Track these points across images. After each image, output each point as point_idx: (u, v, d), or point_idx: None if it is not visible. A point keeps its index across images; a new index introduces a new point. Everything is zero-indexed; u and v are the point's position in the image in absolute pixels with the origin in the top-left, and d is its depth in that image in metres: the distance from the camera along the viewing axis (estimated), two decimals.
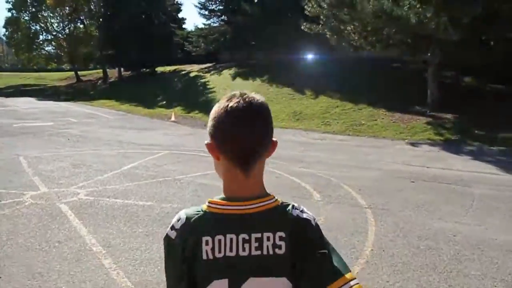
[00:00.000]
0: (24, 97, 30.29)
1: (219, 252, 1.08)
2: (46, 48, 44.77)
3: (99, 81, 38.05)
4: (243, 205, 1.10)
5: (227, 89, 23.89)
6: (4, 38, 48.70)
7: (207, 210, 1.12)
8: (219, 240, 1.08)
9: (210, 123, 1.17)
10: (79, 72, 43.22)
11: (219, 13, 32.14)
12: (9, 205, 6.12)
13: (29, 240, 4.82)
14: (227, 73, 27.53)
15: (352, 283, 1.10)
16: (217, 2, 31.62)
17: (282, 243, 1.09)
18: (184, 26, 43.07)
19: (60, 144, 11.41)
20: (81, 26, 42.32)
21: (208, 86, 25.59)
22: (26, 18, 43.14)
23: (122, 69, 37.12)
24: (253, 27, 27.25)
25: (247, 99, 1.14)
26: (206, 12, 32.03)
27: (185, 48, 33.42)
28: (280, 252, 1.09)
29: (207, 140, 1.17)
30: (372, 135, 13.21)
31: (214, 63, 32.78)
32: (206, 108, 20.70)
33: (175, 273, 1.14)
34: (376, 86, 17.07)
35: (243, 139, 1.09)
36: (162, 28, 33.87)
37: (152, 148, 10.64)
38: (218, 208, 1.12)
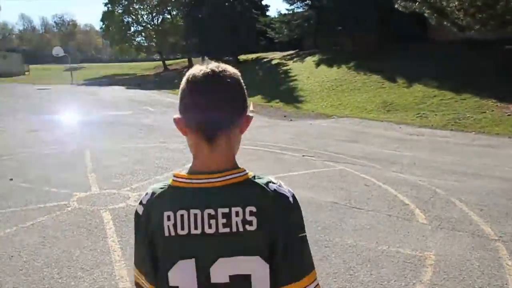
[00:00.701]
0: (114, 86, 31.19)
1: (182, 228, 0.98)
2: (137, 39, 46.18)
3: (184, 70, 38.21)
4: (209, 178, 1.00)
5: (310, 77, 22.36)
6: (101, 31, 51.10)
7: (171, 184, 1.04)
8: (181, 216, 0.98)
9: (179, 96, 1.05)
10: (166, 62, 44.07)
11: None
12: (51, 209, 5.27)
13: (49, 263, 3.84)
14: (310, 60, 25.88)
15: (317, 281, 1.04)
16: None
17: (253, 218, 0.97)
18: (267, 13, 41.91)
19: (131, 136, 10.74)
20: (168, 16, 42.94)
21: (290, 74, 24.17)
22: (120, 11, 44.72)
23: (205, 57, 37.02)
24: (339, 10, 25.18)
25: (210, 67, 1.02)
26: None
27: (268, 35, 32.17)
28: (251, 228, 0.97)
29: (176, 115, 1.06)
30: (481, 131, 10.94)
31: (297, 50, 31.25)
32: (287, 97, 19.37)
33: (141, 251, 1.07)
34: (485, 71, 14.40)
35: (202, 108, 0.99)
36: (245, 15, 32.96)
37: None
38: (182, 182, 1.03)
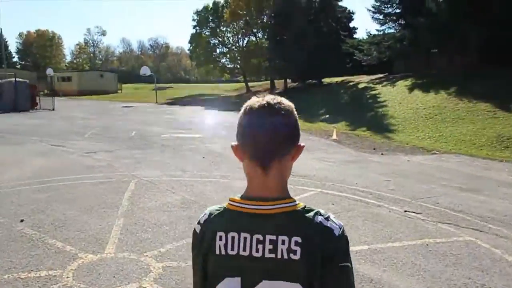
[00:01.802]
0: (194, 106, 30.52)
1: (232, 249, 1.04)
2: (222, 61, 45.92)
3: (266, 92, 36.90)
4: (261, 205, 1.05)
5: (402, 103, 19.51)
6: (188, 52, 51.86)
7: (227, 207, 1.10)
8: (233, 237, 1.04)
9: (237, 126, 1.11)
10: (249, 83, 43.17)
11: (395, 17, 27.54)
12: (32, 285, 3.50)
13: None
14: (402, 84, 22.92)
15: None
16: (395, 3, 27.09)
17: (298, 249, 1.01)
18: (355, 36, 39.37)
19: (190, 165, 9.01)
20: (253, 38, 42.12)
21: (379, 99, 21.43)
22: (207, 33, 44.88)
23: (289, 79, 35.37)
24: (437, 29, 22.11)
25: (266, 100, 1.08)
26: (381, 17, 27.74)
27: (355, 57, 29.67)
28: (295, 257, 1.01)
29: (234, 143, 1.11)
30: None
31: (386, 74, 28.37)
32: (375, 125, 16.75)
33: (195, 265, 1.14)
34: None
35: (259, 136, 1.04)
36: (331, 36, 30.83)
37: (298, 181, 7.32)
38: (236, 206, 1.08)
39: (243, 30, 41.73)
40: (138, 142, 12.41)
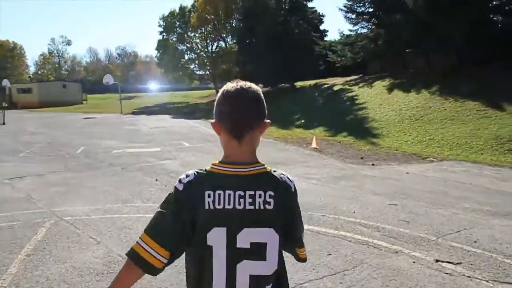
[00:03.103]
0: (161, 115, 28.17)
1: (219, 204, 1.25)
2: (191, 67, 43.67)
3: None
4: (239, 167, 1.29)
5: (383, 104, 17.81)
6: (155, 59, 49.31)
7: (210, 170, 1.31)
8: (219, 194, 1.25)
9: (214, 107, 1.34)
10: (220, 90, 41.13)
11: (368, 16, 25.99)
12: None
13: None
14: (380, 85, 21.31)
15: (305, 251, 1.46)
16: (367, 2, 25.55)
17: (271, 200, 1.27)
18: (326, 38, 37.77)
19: (136, 192, 6.84)
20: (222, 43, 40.12)
21: (357, 102, 19.69)
22: (174, 39, 42.58)
23: (260, 84, 33.47)
24: (414, 27, 20.61)
25: (240, 84, 1.31)
26: (353, 16, 26.08)
27: (328, 59, 27.99)
28: (269, 207, 1.27)
29: (212, 120, 1.34)
30: None
31: (361, 75, 26.84)
32: (357, 129, 14.92)
33: (174, 215, 1.28)
34: None
35: (235, 114, 1.28)
36: (303, 38, 29.09)
37: None
38: (219, 169, 1.30)
39: (211, 35, 39.69)
40: (81, 161, 10.12)
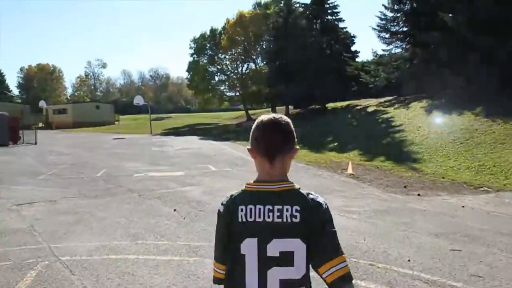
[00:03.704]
0: (190, 136, 27.65)
1: (250, 217, 1.43)
2: (221, 88, 43.34)
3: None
4: (269, 185, 1.46)
5: (422, 126, 16.52)
6: (186, 81, 49.38)
7: (244, 189, 1.51)
8: (250, 209, 1.43)
9: (250, 134, 1.54)
10: (250, 111, 40.48)
11: (402, 35, 24.84)
12: None
13: None
14: (417, 106, 20.01)
15: (346, 263, 1.42)
16: (401, 21, 24.46)
17: (298, 214, 1.41)
18: (357, 59, 36.64)
19: (151, 224, 5.97)
20: (252, 64, 39.68)
21: (393, 124, 18.43)
22: (205, 61, 42.51)
23: (290, 106, 32.62)
24: (453, 45, 19.37)
25: (273, 116, 1.53)
26: (387, 35, 25.02)
27: (361, 79, 26.85)
28: (296, 220, 1.40)
29: (249, 146, 1.53)
30: None
31: (395, 96, 25.56)
32: (394, 153, 13.69)
33: (220, 235, 1.53)
34: None
35: (268, 142, 1.48)
36: (334, 58, 28.17)
37: None
38: (252, 187, 1.50)
39: (241, 56, 39.34)
40: (100, 185, 9.41)
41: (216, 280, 1.58)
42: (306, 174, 10.75)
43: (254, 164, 1.52)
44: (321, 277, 1.42)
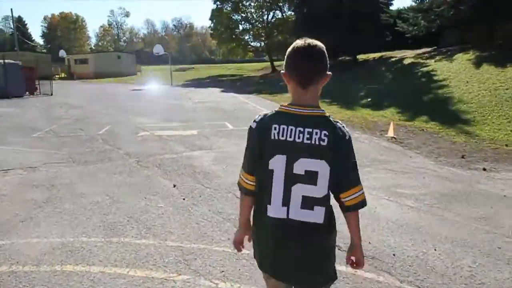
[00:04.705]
0: (211, 88, 25.96)
1: (282, 136, 1.54)
2: (245, 38, 40.82)
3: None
4: (302, 108, 1.57)
5: (470, 81, 14.28)
6: (210, 30, 46.89)
7: (278, 110, 1.61)
8: (283, 128, 1.54)
9: (285, 59, 1.62)
10: (276, 62, 38.13)
11: None
12: None
13: None
14: (463, 58, 17.50)
15: (363, 190, 1.62)
16: None
17: (326, 138, 1.52)
18: (391, 8, 33.24)
19: (139, 211, 4.48)
20: (278, 12, 36.87)
21: (436, 78, 16.16)
22: (228, 8, 39.82)
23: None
24: None
25: (307, 42, 1.56)
26: None
27: (397, 28, 24.08)
28: (324, 143, 1.52)
29: (283, 70, 1.61)
30: None
31: (434, 47, 22.92)
32: (439, 112, 11.68)
33: (251, 149, 1.65)
34: None
35: (302, 68, 1.56)
36: (368, 4, 25.31)
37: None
38: (285, 109, 1.59)
39: (267, 3, 36.52)
40: (96, 146, 7.96)
41: (245, 190, 1.72)
42: None
43: (288, 90, 1.62)
44: (340, 201, 1.61)
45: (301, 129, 1.51)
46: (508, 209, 4.51)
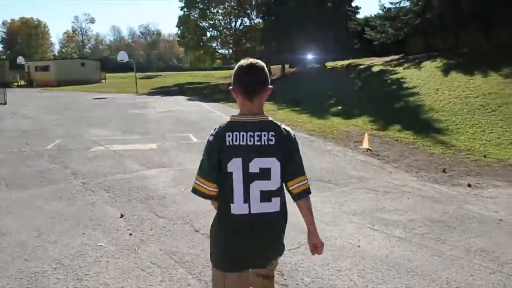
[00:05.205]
0: (177, 96, 25.01)
1: (236, 141, 1.76)
2: (213, 45, 40.03)
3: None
4: (251, 117, 1.81)
5: (440, 89, 14.04)
6: (177, 37, 45.81)
7: (229, 121, 1.83)
8: (236, 135, 1.77)
9: (232, 77, 1.86)
10: None
11: None
12: None
13: None
14: (430, 66, 17.36)
15: (307, 180, 1.87)
16: None
17: (273, 138, 1.78)
18: (357, 16, 33.27)
19: (69, 257, 3.60)
20: (246, 20, 36.32)
21: (405, 86, 15.89)
22: (196, 15, 38.97)
23: (286, 64, 29.77)
24: None
25: (249, 61, 1.82)
26: None
27: (365, 35, 23.91)
28: (272, 143, 1.77)
29: (231, 87, 1.85)
30: None
31: (402, 55, 22.89)
32: (412, 121, 11.27)
33: (210, 158, 1.81)
34: None
35: (247, 83, 1.80)
36: (335, 13, 25.13)
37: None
38: (236, 119, 1.83)
39: (235, 10, 35.92)
40: (39, 165, 6.93)
41: (208, 197, 1.86)
42: (311, 149, 8.30)
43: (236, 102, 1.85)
44: (288, 190, 1.85)
45: (252, 134, 1.77)
46: (509, 237, 3.90)
